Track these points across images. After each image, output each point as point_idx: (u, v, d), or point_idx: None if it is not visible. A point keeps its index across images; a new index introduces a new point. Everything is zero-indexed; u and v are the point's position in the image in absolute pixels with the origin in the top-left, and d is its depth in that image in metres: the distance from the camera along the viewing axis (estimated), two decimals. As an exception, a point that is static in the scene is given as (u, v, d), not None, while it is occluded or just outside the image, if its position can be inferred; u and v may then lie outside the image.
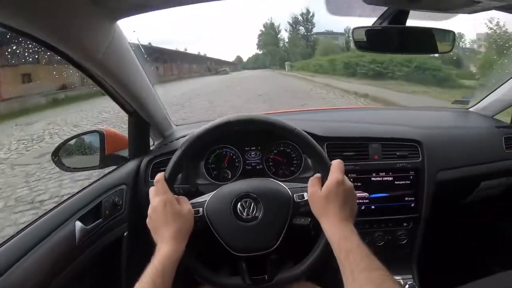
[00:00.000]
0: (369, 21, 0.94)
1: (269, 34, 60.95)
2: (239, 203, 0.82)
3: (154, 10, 0.79)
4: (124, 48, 0.91)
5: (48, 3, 0.60)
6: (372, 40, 0.93)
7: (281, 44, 59.20)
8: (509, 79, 1.49)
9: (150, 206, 0.78)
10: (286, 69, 42.65)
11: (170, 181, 0.81)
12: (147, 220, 0.79)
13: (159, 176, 0.80)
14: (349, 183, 0.77)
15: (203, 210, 0.83)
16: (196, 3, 0.81)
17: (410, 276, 1.24)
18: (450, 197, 1.42)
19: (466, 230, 1.71)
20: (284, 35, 59.46)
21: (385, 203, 1.20)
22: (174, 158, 0.83)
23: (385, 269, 0.64)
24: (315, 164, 1.16)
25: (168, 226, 0.75)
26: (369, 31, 0.93)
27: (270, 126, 0.84)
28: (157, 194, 0.78)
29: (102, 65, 0.85)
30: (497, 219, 1.68)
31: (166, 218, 0.75)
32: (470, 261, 1.70)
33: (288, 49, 55.41)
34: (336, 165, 0.78)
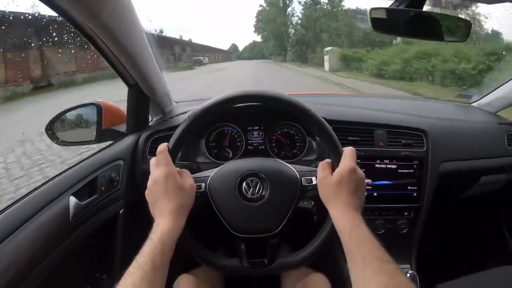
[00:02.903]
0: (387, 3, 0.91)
1: (274, 6, 39.32)
2: (245, 182, 0.79)
3: None
4: (130, 14, 0.86)
5: None
6: (390, 21, 0.91)
7: (295, 21, 37.29)
8: (514, 77, 1.48)
9: (150, 177, 0.74)
10: (328, 64, 19.25)
11: (173, 152, 0.76)
12: (146, 192, 0.74)
13: (162, 146, 0.76)
14: (361, 172, 0.75)
15: (205, 186, 0.80)
16: None
17: (408, 265, 1.24)
18: (451, 190, 1.42)
19: (464, 224, 1.73)
20: (299, 9, 41.61)
21: (388, 190, 1.19)
22: (180, 128, 0.78)
23: (394, 262, 0.62)
24: (322, 149, 1.15)
25: (168, 200, 0.71)
26: (387, 12, 0.90)
27: (285, 104, 0.80)
28: (159, 165, 0.74)
29: (106, 27, 0.80)
30: (495, 214, 1.69)
31: (167, 191, 0.71)
32: (467, 253, 1.72)
33: (313, 27, 31.63)
34: (349, 152, 0.76)
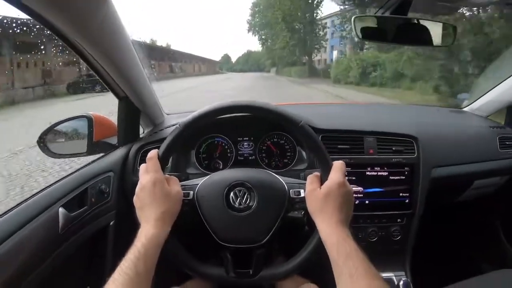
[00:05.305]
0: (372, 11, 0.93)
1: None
2: (232, 191, 0.79)
3: None
4: (118, 28, 0.87)
5: None
6: (377, 29, 0.93)
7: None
8: (504, 80, 1.50)
9: (139, 183, 0.75)
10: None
11: (163, 159, 0.77)
12: (134, 198, 0.75)
13: (152, 153, 0.77)
14: (349, 186, 0.75)
15: (193, 194, 0.80)
16: None
17: (403, 272, 1.24)
18: (444, 195, 1.42)
19: (459, 228, 1.73)
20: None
21: (379, 198, 1.18)
22: (170, 136, 0.79)
23: (382, 278, 0.63)
24: (312, 158, 1.15)
25: (154, 206, 0.72)
26: (374, 19, 0.92)
27: (275, 115, 0.80)
28: (148, 172, 0.75)
29: (94, 41, 0.81)
30: (489, 218, 1.69)
31: (154, 198, 0.72)
32: (462, 259, 1.72)
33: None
34: (339, 166, 0.76)
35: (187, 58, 36.84)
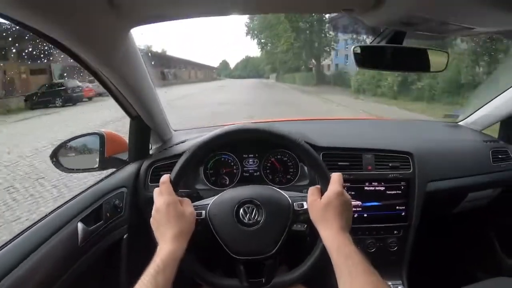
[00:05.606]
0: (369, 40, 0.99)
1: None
2: (242, 208, 0.85)
3: (167, 20, 0.83)
4: (136, 55, 0.94)
5: (70, 10, 0.63)
6: (374, 58, 0.98)
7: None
8: (498, 95, 1.56)
9: (154, 206, 0.81)
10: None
11: (175, 183, 0.84)
12: (151, 220, 0.81)
13: (165, 177, 0.83)
14: (347, 196, 0.82)
15: (205, 213, 0.86)
16: (207, 16, 0.85)
17: (400, 281, 1.29)
18: (439, 207, 1.48)
19: (454, 239, 1.78)
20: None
21: (377, 211, 1.24)
22: (181, 160, 0.86)
23: (379, 276, 0.69)
24: (313, 174, 1.20)
25: (170, 226, 0.78)
26: (369, 48, 0.98)
27: (276, 137, 0.88)
28: (162, 194, 0.81)
29: (116, 71, 0.89)
30: (484, 228, 1.74)
31: (169, 219, 0.78)
32: (458, 268, 1.76)
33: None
34: (336, 178, 0.83)
35: (182, 64, 34.90)
